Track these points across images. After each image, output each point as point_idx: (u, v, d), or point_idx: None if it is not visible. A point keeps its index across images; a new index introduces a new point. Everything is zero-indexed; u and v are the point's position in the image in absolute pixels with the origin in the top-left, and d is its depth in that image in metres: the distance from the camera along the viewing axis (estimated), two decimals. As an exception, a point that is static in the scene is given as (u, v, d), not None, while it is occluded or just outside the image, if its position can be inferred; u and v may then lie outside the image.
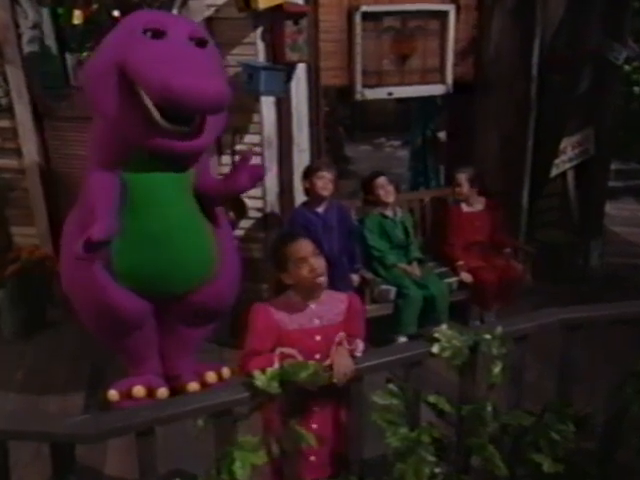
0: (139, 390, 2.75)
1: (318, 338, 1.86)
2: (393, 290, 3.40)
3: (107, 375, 3.13)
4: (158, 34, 2.30)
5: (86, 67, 2.43)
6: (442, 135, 5.00)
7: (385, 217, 3.56)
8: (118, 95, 2.30)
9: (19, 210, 3.79)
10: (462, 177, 3.69)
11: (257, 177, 2.71)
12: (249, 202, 3.51)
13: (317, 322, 1.88)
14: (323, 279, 1.85)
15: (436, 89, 3.87)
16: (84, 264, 2.49)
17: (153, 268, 2.56)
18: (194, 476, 1.69)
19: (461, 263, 3.62)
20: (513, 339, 2.04)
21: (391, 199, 3.53)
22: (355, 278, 3.32)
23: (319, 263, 1.84)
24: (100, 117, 2.45)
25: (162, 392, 2.76)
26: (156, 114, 2.28)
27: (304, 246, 1.87)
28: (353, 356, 1.84)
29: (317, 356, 1.84)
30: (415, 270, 3.50)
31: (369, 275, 3.43)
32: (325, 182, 3.16)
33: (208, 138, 2.48)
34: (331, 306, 1.91)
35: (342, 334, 1.87)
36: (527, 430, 2.02)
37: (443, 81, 3.83)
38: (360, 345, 1.88)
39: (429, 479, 1.75)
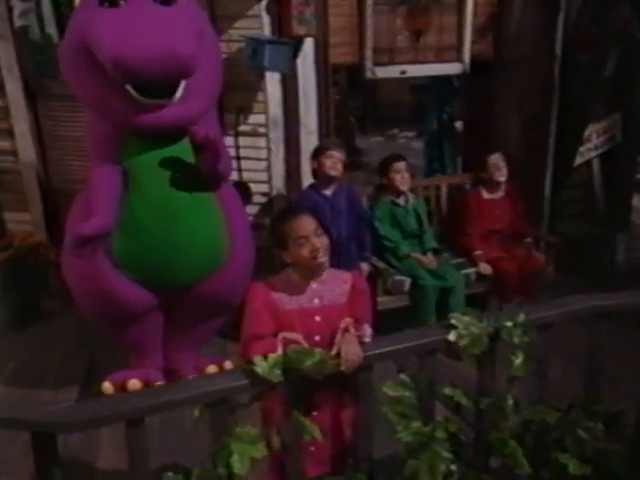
0: (135, 384, 2.69)
1: (317, 319, 1.80)
2: (407, 281, 3.33)
3: (103, 368, 3.05)
4: (115, 2, 2.21)
5: (59, 52, 2.37)
6: (459, 125, 4.92)
7: (396, 205, 3.48)
8: (90, 75, 2.23)
9: (12, 195, 3.75)
10: (501, 159, 3.58)
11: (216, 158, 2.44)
12: (254, 187, 3.47)
13: (317, 302, 1.82)
14: (324, 259, 1.78)
15: (452, 68, 3.79)
16: (85, 254, 2.42)
17: (157, 255, 2.48)
18: (188, 471, 1.61)
19: (479, 253, 3.54)
20: (537, 328, 1.95)
21: (405, 187, 3.45)
22: (365, 267, 3.24)
23: (321, 242, 1.77)
24: (82, 101, 2.40)
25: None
26: (129, 89, 2.19)
27: (306, 223, 1.79)
28: (361, 342, 1.76)
29: (317, 338, 1.77)
30: (431, 260, 3.41)
31: (382, 264, 3.35)
32: (334, 162, 3.08)
33: (196, 105, 2.35)
34: (333, 286, 1.84)
35: (348, 319, 1.78)
36: (551, 427, 1.93)
37: (460, 59, 3.75)
38: (368, 330, 1.80)
39: (444, 477, 1.66)
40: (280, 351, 1.66)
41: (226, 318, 2.85)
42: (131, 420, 1.54)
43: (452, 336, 1.83)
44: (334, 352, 1.71)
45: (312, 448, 1.79)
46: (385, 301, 3.28)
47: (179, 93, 2.26)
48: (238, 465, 1.49)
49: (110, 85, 2.20)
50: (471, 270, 3.50)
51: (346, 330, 1.75)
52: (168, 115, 2.27)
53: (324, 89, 3.40)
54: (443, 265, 3.43)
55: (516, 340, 1.88)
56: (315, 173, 3.17)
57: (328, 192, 3.15)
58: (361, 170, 6.96)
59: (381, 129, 10.36)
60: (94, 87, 2.25)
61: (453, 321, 1.85)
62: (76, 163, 3.54)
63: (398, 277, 3.34)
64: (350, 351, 1.69)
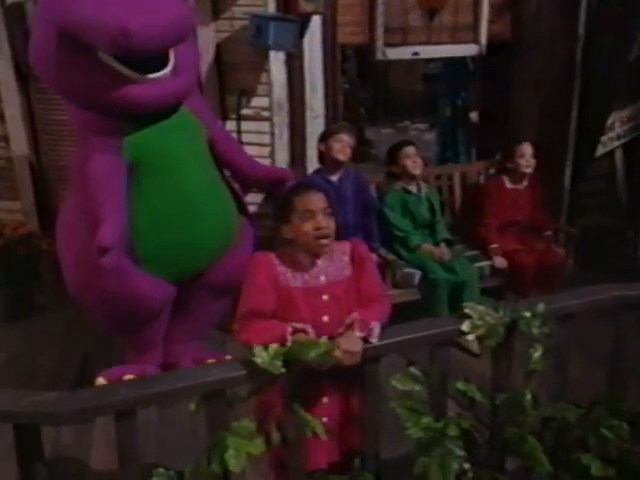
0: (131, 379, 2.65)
1: (325, 297, 1.75)
2: (417, 274, 3.28)
3: (98, 364, 3.02)
4: None
5: (30, 47, 2.29)
6: (474, 116, 4.85)
7: (408, 193, 3.43)
8: (71, 63, 2.18)
9: (2, 182, 3.72)
10: (530, 148, 3.53)
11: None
12: None
13: (323, 279, 1.77)
14: (327, 241, 1.74)
15: (468, 49, 3.75)
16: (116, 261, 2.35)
17: (178, 244, 2.46)
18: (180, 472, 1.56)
19: (495, 246, 3.49)
20: (557, 319, 1.91)
21: (418, 172, 3.40)
22: (374, 257, 3.17)
23: (327, 223, 1.73)
24: (64, 97, 2.36)
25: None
26: (122, 68, 2.15)
27: (316, 200, 1.75)
28: (368, 342, 1.69)
29: (325, 318, 1.73)
30: (443, 252, 3.36)
31: (391, 256, 3.30)
32: (343, 146, 3.04)
33: (186, 79, 2.34)
34: (335, 260, 1.80)
35: (355, 315, 1.70)
36: (573, 426, 1.88)
37: (476, 40, 3.72)
38: (376, 329, 1.70)
39: (457, 476, 1.61)
40: (290, 342, 1.62)
41: (228, 304, 2.80)
42: (121, 412, 1.50)
43: (466, 326, 1.79)
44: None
45: (325, 438, 1.71)
46: (394, 295, 3.19)
47: (170, 65, 2.25)
48: (233, 461, 1.45)
49: (92, 68, 2.16)
50: (485, 263, 3.45)
51: (350, 327, 1.69)
52: (162, 91, 2.26)
53: (331, 70, 3.37)
54: (456, 258, 3.38)
55: (535, 331, 1.83)
56: (321, 157, 3.13)
57: (334, 178, 3.11)
58: (369, 162, 6.93)
59: (392, 120, 10.29)
60: (75, 75, 2.19)
61: (467, 310, 1.81)
62: (70, 149, 3.47)
63: (407, 269, 3.28)
64: (345, 348, 1.63)
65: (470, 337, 3.11)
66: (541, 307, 1.84)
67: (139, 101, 2.22)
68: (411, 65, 10.94)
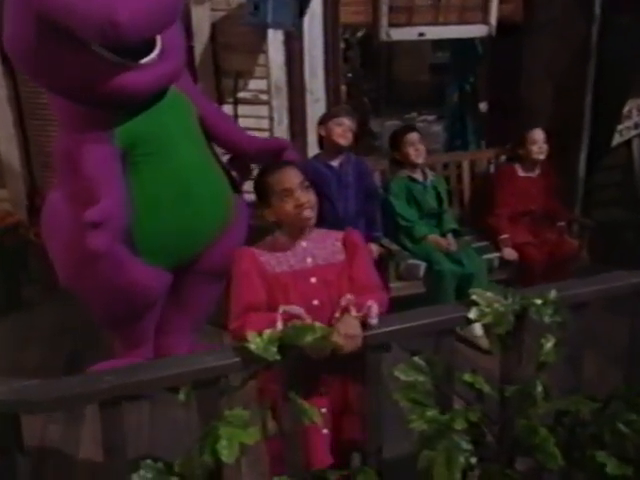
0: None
1: (313, 280, 1.74)
2: (422, 265, 3.26)
3: (86, 359, 3.00)
4: None
5: (5, 36, 2.21)
6: (483, 106, 4.83)
7: (413, 181, 3.41)
8: (54, 51, 2.11)
9: (-12, 170, 3.72)
10: (542, 135, 3.50)
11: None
12: None
13: (310, 261, 1.76)
14: (310, 213, 1.74)
15: (477, 30, 3.72)
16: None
17: (177, 230, 2.47)
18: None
19: (505, 237, 3.47)
20: (570, 307, 1.87)
21: (420, 160, 3.38)
22: (374, 248, 3.15)
23: (307, 197, 1.73)
24: (48, 89, 2.32)
25: None
26: (108, 54, 2.11)
27: (290, 176, 1.75)
28: (366, 324, 1.66)
29: (315, 302, 1.72)
30: (450, 243, 3.34)
31: (394, 247, 3.27)
32: (344, 129, 3.00)
33: (174, 61, 2.33)
34: (325, 244, 1.80)
35: (349, 297, 1.68)
36: (587, 421, 1.84)
37: (486, 21, 3.68)
38: (374, 308, 1.67)
39: (464, 472, 1.58)
40: (280, 326, 1.59)
41: (221, 289, 2.79)
42: (106, 400, 1.47)
43: (473, 314, 1.75)
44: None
45: (325, 431, 1.73)
46: (397, 287, 3.21)
47: (157, 49, 2.23)
48: (226, 452, 1.41)
49: (84, 58, 2.11)
50: (494, 255, 3.44)
51: (346, 309, 1.66)
52: (152, 76, 2.24)
53: (333, 52, 3.35)
54: (463, 249, 3.36)
55: (546, 320, 1.79)
56: (321, 141, 3.09)
57: (335, 163, 3.08)
58: (374, 154, 6.92)
59: (397, 112, 10.26)
60: (64, 67, 2.14)
61: (474, 297, 1.78)
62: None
63: (412, 261, 3.27)
64: (344, 332, 1.59)
65: (479, 332, 3.18)
66: (553, 294, 1.81)
67: (130, 89, 2.20)
68: (418, 54, 10.93)
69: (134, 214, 2.35)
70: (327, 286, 1.74)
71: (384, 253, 3.20)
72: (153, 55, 2.22)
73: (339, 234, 1.83)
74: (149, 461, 1.47)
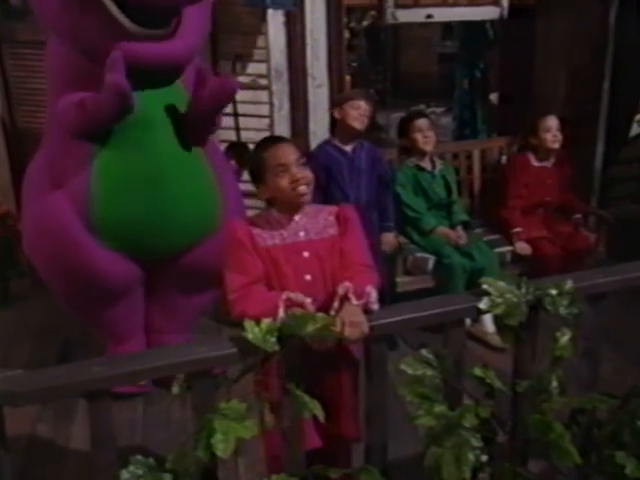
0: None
1: (306, 255, 1.77)
2: (431, 259, 3.25)
3: (77, 356, 3.08)
4: None
5: None
6: (493, 97, 4.80)
7: (421, 169, 3.39)
8: (74, 12, 2.16)
9: (-26, 158, 3.71)
10: (555, 122, 3.47)
11: (220, 93, 2.37)
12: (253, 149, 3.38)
13: (302, 235, 1.79)
14: (306, 189, 1.75)
15: (488, 12, 3.68)
16: (53, 217, 2.43)
17: (142, 219, 2.44)
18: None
19: (518, 230, 3.46)
20: (587, 299, 1.85)
21: (429, 148, 3.36)
22: (390, 238, 3.15)
23: (303, 173, 1.74)
24: (53, 34, 2.33)
25: None
26: (120, 16, 2.13)
27: (286, 151, 1.76)
28: (367, 310, 1.65)
29: (307, 277, 1.75)
30: (460, 235, 3.32)
31: (402, 239, 3.27)
32: (361, 113, 2.96)
33: (190, 42, 2.32)
34: (319, 219, 1.82)
35: (347, 284, 1.66)
36: (605, 419, 1.81)
37: (497, 3, 3.64)
38: (372, 293, 1.67)
39: (474, 470, 1.55)
40: (282, 314, 1.58)
41: (215, 294, 2.79)
42: (93, 392, 1.45)
43: (484, 304, 1.73)
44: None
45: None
46: (405, 282, 3.22)
47: (172, 25, 2.22)
48: (221, 446, 1.38)
49: (90, 10, 2.12)
50: (507, 249, 3.43)
51: (345, 298, 1.64)
52: (156, 49, 2.22)
53: (336, 35, 3.33)
54: (474, 242, 3.33)
55: (562, 312, 1.76)
56: (334, 125, 3.04)
57: (348, 148, 3.04)
58: (380, 147, 6.91)
59: (404, 104, 10.25)
60: (69, 12, 2.17)
61: (485, 286, 1.75)
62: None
63: (420, 254, 3.26)
64: (349, 320, 1.57)
65: (490, 329, 3.15)
66: (569, 284, 1.78)
67: (138, 58, 2.19)
68: (426, 43, 10.92)
69: (93, 190, 2.37)
70: (320, 261, 1.77)
71: (397, 245, 3.19)
72: (168, 29, 2.21)
73: (333, 208, 1.86)
74: (139, 457, 1.45)
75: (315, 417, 1.51)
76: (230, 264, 1.74)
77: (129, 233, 2.46)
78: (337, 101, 3.06)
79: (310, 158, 3.01)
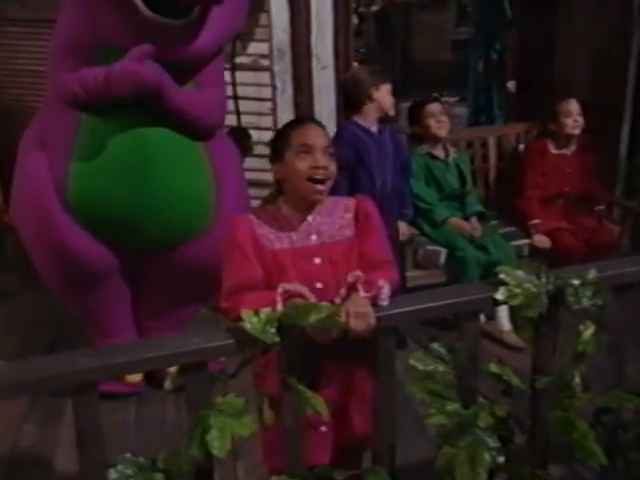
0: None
1: (317, 261, 1.69)
2: (443, 252, 3.24)
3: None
4: None
5: None
6: (511, 85, 4.77)
7: (434, 158, 3.38)
8: None
9: (-42, 147, 3.69)
10: (576, 106, 3.45)
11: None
12: (255, 134, 3.41)
13: (314, 239, 1.70)
14: (323, 187, 1.66)
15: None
16: (33, 188, 2.49)
17: (122, 206, 2.44)
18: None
19: (536, 222, 3.45)
20: (612, 289, 1.82)
21: (444, 133, 3.35)
22: (404, 227, 3.15)
23: (327, 162, 1.66)
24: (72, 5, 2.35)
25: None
26: (142, 6, 2.14)
27: (315, 134, 1.68)
28: (376, 305, 1.61)
29: (318, 285, 1.65)
30: (474, 227, 3.31)
31: (412, 230, 3.26)
32: (392, 98, 2.98)
33: (214, 37, 2.32)
34: (334, 217, 1.73)
35: (358, 273, 1.61)
36: (632, 419, 1.83)
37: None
38: (385, 289, 1.62)
39: (490, 472, 1.52)
40: (280, 307, 1.54)
41: (212, 293, 2.76)
42: (80, 386, 1.42)
43: (501, 294, 1.70)
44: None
45: (322, 428, 1.68)
46: (415, 277, 3.19)
47: (193, 15, 2.21)
48: (217, 444, 1.36)
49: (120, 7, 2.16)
50: (524, 242, 3.42)
51: (354, 287, 1.60)
52: (174, 42, 2.24)
53: (343, 12, 3.33)
54: (489, 235, 3.33)
55: (585, 303, 1.73)
56: (352, 102, 2.98)
57: (374, 129, 2.99)
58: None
59: (415, 93, 10.21)
60: (103, 10, 2.22)
61: (502, 276, 1.72)
62: (37, 105, 3.45)
63: (431, 247, 3.25)
64: (354, 310, 1.54)
65: (506, 326, 3.13)
66: (593, 274, 1.75)
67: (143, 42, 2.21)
68: (438, 29, 10.87)
69: (75, 169, 2.41)
70: (333, 266, 1.69)
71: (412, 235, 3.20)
72: (188, 20, 2.20)
73: (350, 202, 1.77)
74: (128, 455, 1.42)
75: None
76: (226, 267, 1.67)
77: (106, 218, 2.48)
78: (374, 82, 2.96)
79: (335, 137, 2.97)
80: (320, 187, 1.66)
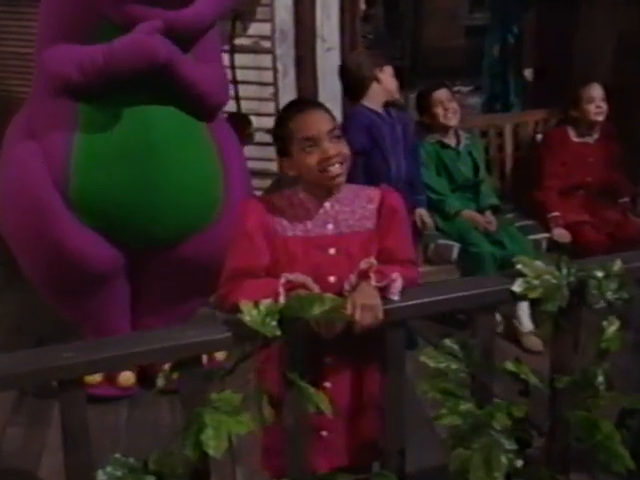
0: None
1: (332, 251, 1.65)
2: (455, 247, 3.22)
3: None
4: None
5: None
6: (528, 73, 4.76)
7: (445, 147, 3.38)
8: None
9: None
10: (600, 91, 3.43)
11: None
12: (256, 120, 3.41)
13: (331, 228, 1.66)
14: (339, 169, 1.61)
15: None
16: (28, 183, 2.45)
17: (128, 199, 2.44)
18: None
19: (556, 215, 3.44)
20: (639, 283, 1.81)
21: (453, 122, 3.35)
22: (423, 213, 3.19)
23: (337, 149, 1.60)
24: None
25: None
26: None
27: (316, 121, 1.62)
28: (386, 297, 1.59)
29: (331, 279, 1.62)
30: (489, 220, 3.30)
31: (427, 219, 3.24)
32: (390, 75, 3.02)
33: (210, 7, 2.31)
34: (354, 207, 1.68)
35: (371, 260, 1.60)
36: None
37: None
38: (397, 282, 1.59)
39: (507, 475, 1.50)
40: (282, 299, 1.52)
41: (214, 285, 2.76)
42: (65, 381, 1.41)
43: (518, 286, 1.68)
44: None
45: (323, 433, 1.65)
46: (425, 272, 3.10)
47: None
48: (212, 443, 1.34)
49: None
50: (542, 236, 3.41)
51: (366, 275, 1.58)
52: (168, 12, 2.22)
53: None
54: (505, 228, 3.32)
55: (609, 297, 1.72)
56: (360, 88, 3.00)
57: (383, 112, 3.04)
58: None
59: (425, 81, 10.20)
60: None
61: (520, 267, 1.70)
62: (25, 90, 3.44)
63: (443, 241, 3.24)
64: (361, 302, 1.51)
65: (527, 326, 3.11)
66: (618, 265, 1.74)
67: (133, 15, 2.21)
68: (451, 16, 10.85)
69: (76, 161, 2.38)
70: (350, 259, 1.64)
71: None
72: None
73: (374, 193, 1.71)
74: (118, 455, 1.41)
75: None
76: (232, 249, 1.65)
77: (111, 213, 2.46)
78: (376, 63, 3.01)
79: (346, 120, 3.01)
80: (335, 170, 1.61)
